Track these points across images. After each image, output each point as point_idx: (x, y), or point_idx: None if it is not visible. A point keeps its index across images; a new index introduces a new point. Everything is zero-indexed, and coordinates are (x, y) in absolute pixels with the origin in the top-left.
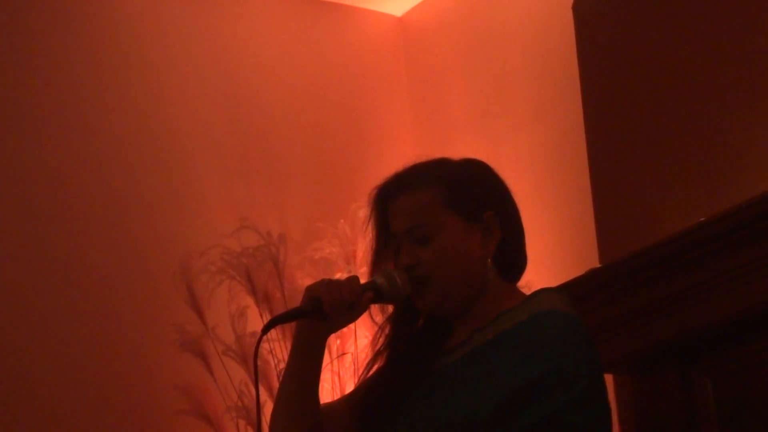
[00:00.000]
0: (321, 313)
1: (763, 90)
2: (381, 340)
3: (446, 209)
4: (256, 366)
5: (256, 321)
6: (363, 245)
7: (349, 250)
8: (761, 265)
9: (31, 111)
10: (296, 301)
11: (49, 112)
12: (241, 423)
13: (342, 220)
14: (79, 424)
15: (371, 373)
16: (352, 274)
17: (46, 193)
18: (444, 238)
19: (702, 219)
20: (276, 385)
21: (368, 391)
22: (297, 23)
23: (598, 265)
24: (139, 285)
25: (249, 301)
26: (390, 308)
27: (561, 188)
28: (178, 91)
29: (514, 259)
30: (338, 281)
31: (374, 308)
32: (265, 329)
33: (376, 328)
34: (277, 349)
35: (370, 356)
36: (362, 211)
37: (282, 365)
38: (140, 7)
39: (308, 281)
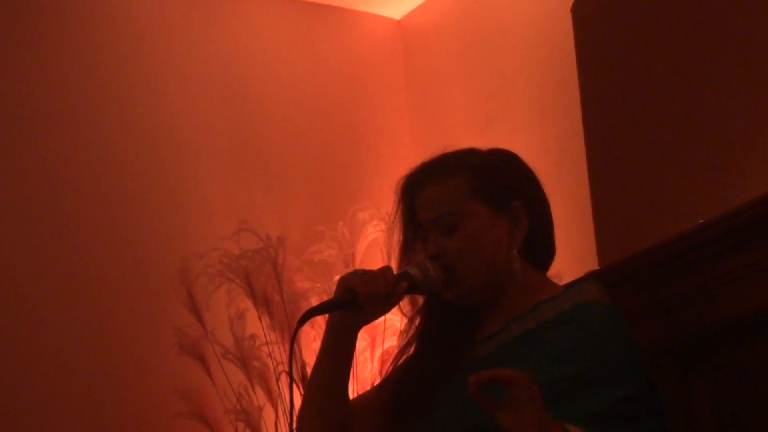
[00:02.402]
0: (357, 304)
1: (761, 92)
2: (411, 332)
3: (473, 198)
4: (291, 353)
5: (254, 324)
6: (362, 248)
7: (348, 253)
8: (761, 268)
9: (29, 115)
10: (295, 304)
11: (47, 116)
12: (240, 426)
13: (341, 223)
14: (78, 428)
15: (400, 364)
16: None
17: (44, 197)
18: (470, 227)
19: (701, 221)
20: (275, 388)
21: (399, 383)
22: (295, 26)
23: (596, 267)
24: (138, 288)
25: (248, 303)
26: (420, 301)
27: (560, 191)
28: (177, 94)
29: (543, 248)
30: (372, 272)
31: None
32: (301, 321)
33: (375, 330)
34: (276, 352)
35: (398, 348)
36: (361, 213)
37: (281, 368)
38: (138, 11)
39: (307, 284)
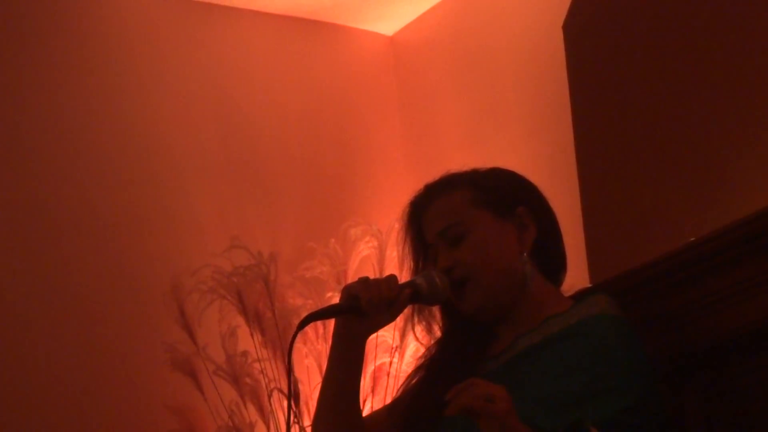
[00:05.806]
0: (359, 310)
1: (752, 109)
2: (426, 358)
3: (477, 207)
4: (290, 359)
5: (246, 340)
6: (354, 264)
7: (339, 270)
8: (755, 284)
9: (21, 130)
10: (287, 320)
11: (40, 130)
12: None
13: (333, 240)
14: None
15: (413, 383)
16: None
17: (35, 213)
18: (478, 235)
19: (692, 238)
20: (266, 404)
21: (412, 398)
22: (288, 43)
23: (588, 284)
24: (130, 304)
25: (240, 320)
26: (438, 332)
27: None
28: (170, 111)
29: (553, 258)
30: (376, 279)
31: (420, 331)
32: (301, 325)
33: (366, 347)
34: (268, 369)
35: (413, 368)
36: (353, 230)
37: (272, 384)
38: (131, 27)
39: (299, 301)
